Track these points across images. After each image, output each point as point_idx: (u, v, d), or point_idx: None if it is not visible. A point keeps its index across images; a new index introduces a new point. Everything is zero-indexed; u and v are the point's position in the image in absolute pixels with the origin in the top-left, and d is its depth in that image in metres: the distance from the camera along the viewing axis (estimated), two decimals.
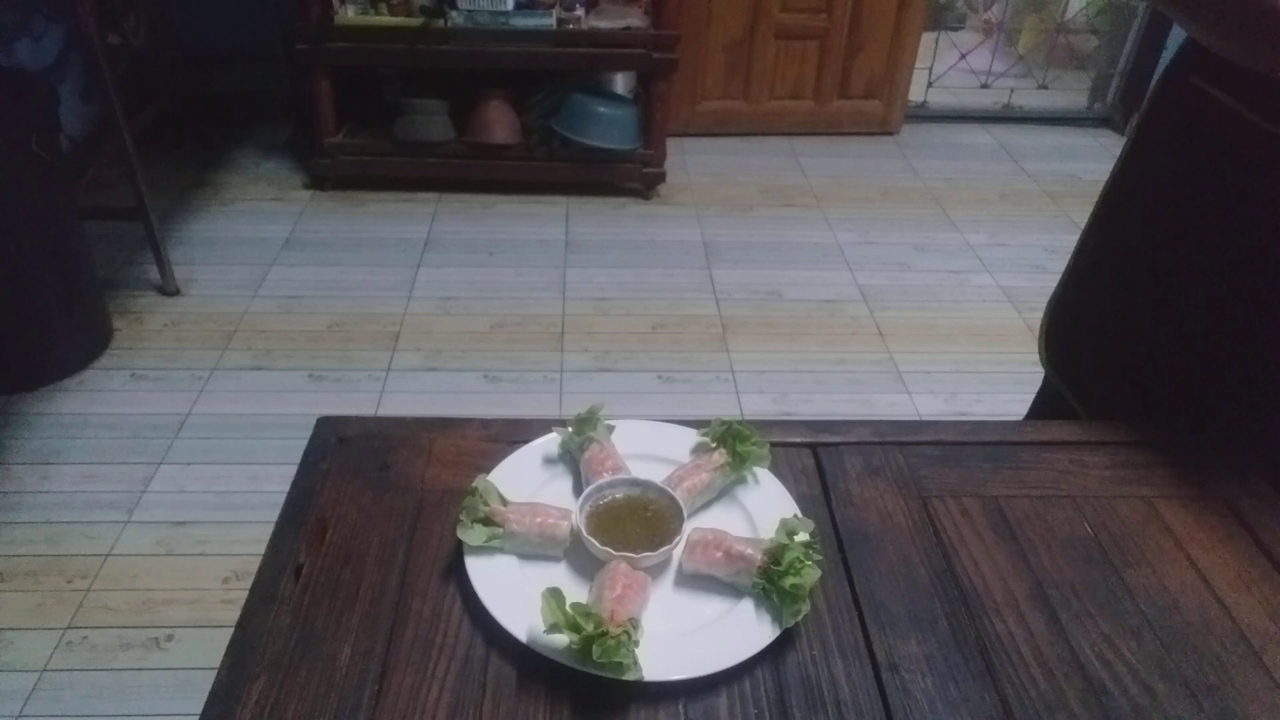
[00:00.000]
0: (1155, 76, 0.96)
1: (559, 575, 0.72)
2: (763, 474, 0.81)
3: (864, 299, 2.69)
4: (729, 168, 3.44)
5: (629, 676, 0.62)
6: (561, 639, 0.63)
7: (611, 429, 0.82)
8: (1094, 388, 1.05)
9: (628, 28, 2.90)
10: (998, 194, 3.35)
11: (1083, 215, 1.06)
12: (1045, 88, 3.97)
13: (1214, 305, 0.90)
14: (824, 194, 3.28)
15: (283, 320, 2.47)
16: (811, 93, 3.63)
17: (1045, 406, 1.14)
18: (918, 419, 2.16)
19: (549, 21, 2.84)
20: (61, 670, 1.56)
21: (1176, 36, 3.46)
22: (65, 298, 2.18)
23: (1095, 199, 1.04)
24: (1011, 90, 3.92)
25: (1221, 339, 0.91)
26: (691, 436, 0.84)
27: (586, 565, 0.72)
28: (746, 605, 0.69)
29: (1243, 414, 0.90)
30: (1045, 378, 1.14)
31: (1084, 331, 1.06)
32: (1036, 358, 1.12)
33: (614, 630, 0.62)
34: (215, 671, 0.64)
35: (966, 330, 2.57)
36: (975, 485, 0.83)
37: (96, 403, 2.14)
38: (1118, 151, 1.01)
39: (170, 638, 1.62)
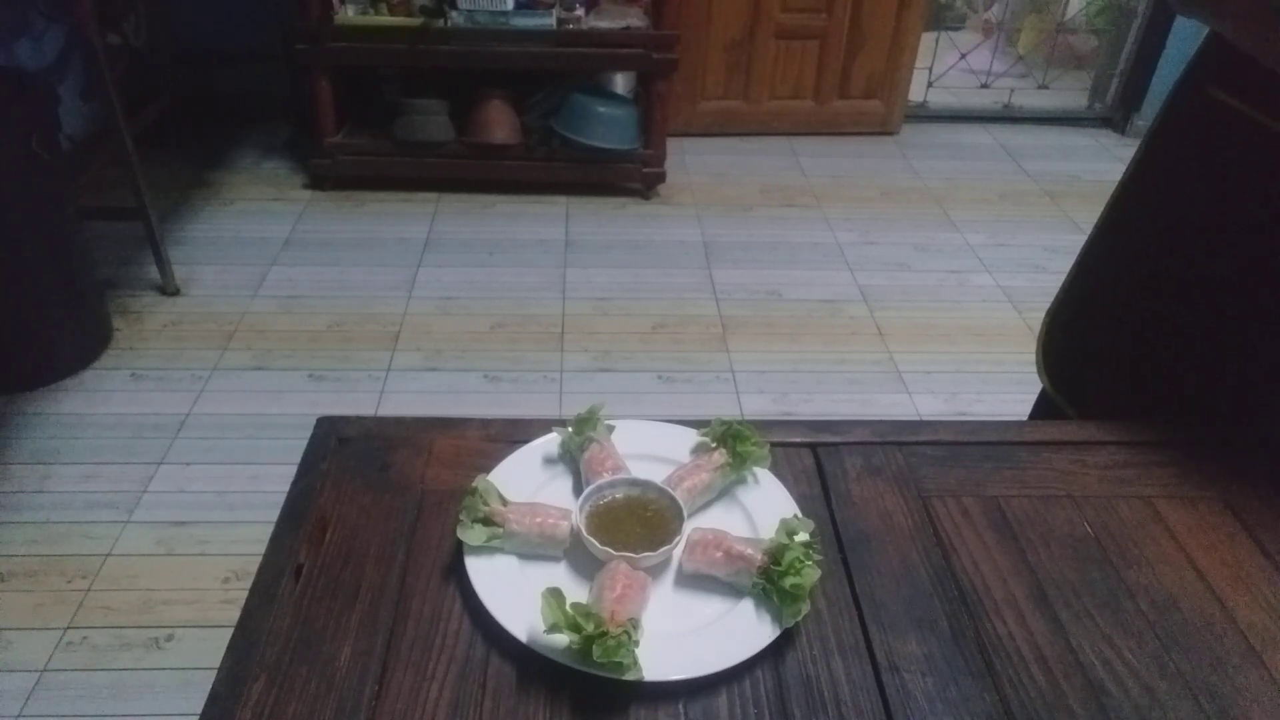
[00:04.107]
0: (1165, 84, 0.95)
1: (559, 575, 0.72)
2: (763, 474, 0.80)
3: (864, 299, 2.69)
4: (729, 168, 3.44)
5: (629, 676, 0.62)
6: (561, 639, 0.63)
7: (611, 429, 0.82)
8: (1094, 401, 1.03)
9: (627, 28, 2.90)
10: (998, 194, 3.35)
11: (1083, 215, 1.06)
12: (1045, 88, 3.96)
13: (1227, 312, 0.90)
14: (824, 194, 3.28)
15: (282, 320, 2.47)
16: (811, 93, 3.63)
17: (1046, 413, 1.13)
18: (918, 419, 2.16)
19: (549, 21, 2.84)
20: (61, 670, 1.56)
21: (1178, 38, 3.46)
22: (65, 298, 2.18)
23: (1095, 199, 1.03)
24: (1011, 90, 3.92)
25: (1232, 345, 0.90)
26: (691, 436, 0.84)
27: (586, 565, 0.72)
28: (746, 605, 0.69)
29: (1244, 415, 0.90)
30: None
31: (1085, 344, 1.05)
32: (1036, 357, 1.12)
33: (614, 630, 0.62)
34: (215, 671, 0.64)
35: (966, 330, 2.57)
36: (975, 485, 0.82)
37: (96, 403, 2.14)
38: (1118, 151, 1.01)
39: (170, 638, 1.62)
